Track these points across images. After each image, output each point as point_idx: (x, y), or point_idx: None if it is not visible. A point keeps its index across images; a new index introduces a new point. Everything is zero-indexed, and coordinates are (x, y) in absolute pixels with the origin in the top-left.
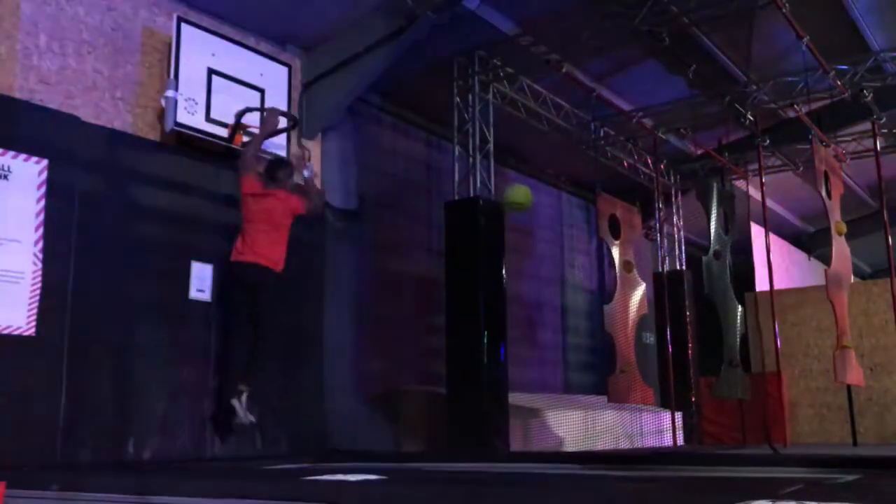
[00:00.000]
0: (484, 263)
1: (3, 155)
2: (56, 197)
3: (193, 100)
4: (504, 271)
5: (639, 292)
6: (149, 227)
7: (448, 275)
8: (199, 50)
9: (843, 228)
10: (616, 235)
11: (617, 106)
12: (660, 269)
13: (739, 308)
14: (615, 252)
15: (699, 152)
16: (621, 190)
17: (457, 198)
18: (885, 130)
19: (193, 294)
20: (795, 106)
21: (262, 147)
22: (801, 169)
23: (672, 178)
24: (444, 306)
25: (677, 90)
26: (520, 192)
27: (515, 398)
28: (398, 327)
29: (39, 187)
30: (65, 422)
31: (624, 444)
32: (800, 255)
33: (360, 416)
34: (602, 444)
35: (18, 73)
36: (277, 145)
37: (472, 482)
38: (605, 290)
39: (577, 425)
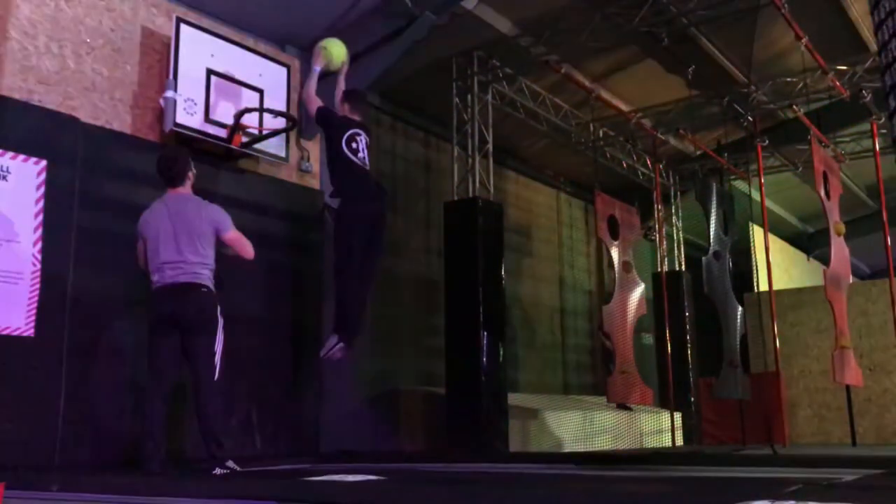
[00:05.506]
0: (483, 264)
1: (1, 155)
2: (55, 197)
3: (192, 100)
4: (503, 271)
5: (637, 293)
6: None
7: (447, 275)
8: (198, 50)
9: (842, 229)
10: (615, 236)
11: (616, 106)
12: (659, 270)
13: (739, 308)
14: (614, 252)
15: (698, 153)
16: (620, 190)
17: (456, 198)
18: (884, 131)
19: None
20: (794, 106)
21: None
22: (801, 169)
23: (671, 178)
24: (443, 306)
25: (676, 91)
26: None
27: (514, 398)
28: (397, 327)
29: (38, 188)
30: (65, 422)
31: (623, 445)
32: (799, 256)
33: (359, 417)
34: (601, 444)
35: (17, 74)
36: (277, 146)
37: (471, 482)
38: (603, 291)
39: (577, 426)
